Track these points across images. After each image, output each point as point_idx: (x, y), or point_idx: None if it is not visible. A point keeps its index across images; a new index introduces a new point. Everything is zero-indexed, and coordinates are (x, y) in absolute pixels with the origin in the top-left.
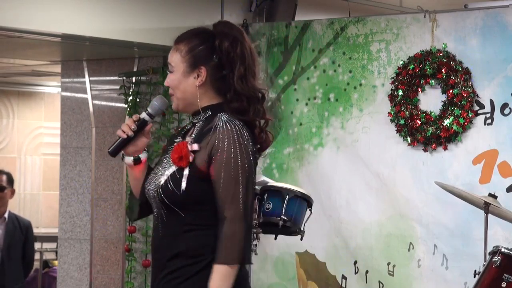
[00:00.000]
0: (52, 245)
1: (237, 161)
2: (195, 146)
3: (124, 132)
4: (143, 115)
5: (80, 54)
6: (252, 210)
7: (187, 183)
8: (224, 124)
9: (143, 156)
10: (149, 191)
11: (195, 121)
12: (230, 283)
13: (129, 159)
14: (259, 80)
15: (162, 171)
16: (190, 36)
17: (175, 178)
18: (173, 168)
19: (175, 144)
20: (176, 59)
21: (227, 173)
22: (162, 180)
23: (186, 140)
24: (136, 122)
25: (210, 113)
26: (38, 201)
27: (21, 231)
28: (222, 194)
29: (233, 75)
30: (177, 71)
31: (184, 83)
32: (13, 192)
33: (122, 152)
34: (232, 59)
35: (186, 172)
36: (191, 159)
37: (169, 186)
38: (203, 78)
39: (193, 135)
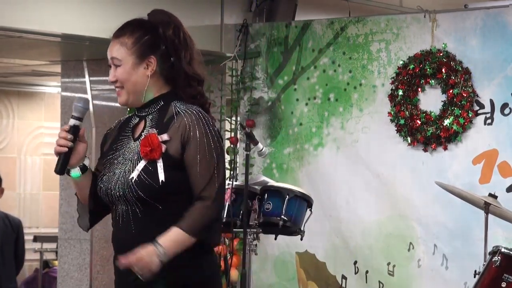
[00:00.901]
0: (52, 245)
1: (210, 144)
2: (165, 136)
3: (62, 146)
4: (72, 122)
5: (80, 54)
6: (224, 192)
7: (164, 174)
8: (186, 111)
9: (87, 162)
10: (112, 191)
11: (143, 114)
12: (179, 251)
13: (76, 171)
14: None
15: (125, 167)
16: (132, 28)
17: (149, 171)
18: (143, 162)
19: (142, 138)
20: (122, 52)
21: (202, 157)
22: (134, 175)
23: (151, 132)
24: (69, 132)
25: (162, 103)
26: (38, 201)
27: (13, 230)
28: (200, 177)
29: (181, 61)
30: (125, 64)
31: (135, 75)
32: (2, 191)
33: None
34: (178, 46)
35: (160, 163)
36: (163, 149)
37: (145, 181)
38: (154, 67)
39: (151, 127)
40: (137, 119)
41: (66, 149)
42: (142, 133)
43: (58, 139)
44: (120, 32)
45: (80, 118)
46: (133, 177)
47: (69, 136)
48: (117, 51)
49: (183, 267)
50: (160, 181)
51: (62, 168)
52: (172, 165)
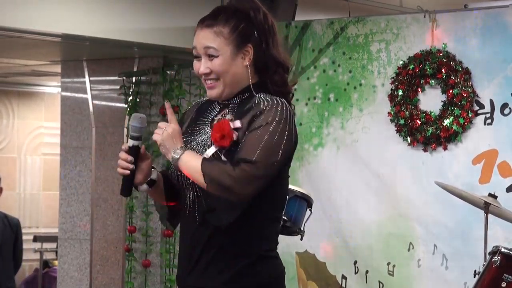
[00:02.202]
0: (52, 245)
1: (277, 127)
2: (238, 123)
3: (123, 168)
4: (130, 142)
5: (80, 54)
6: (252, 194)
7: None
8: (267, 99)
9: (154, 175)
10: (183, 177)
11: (227, 102)
12: (190, 174)
13: (143, 187)
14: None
15: (197, 153)
16: (226, 16)
17: (219, 158)
18: (213, 148)
19: (215, 123)
20: (219, 42)
21: (261, 125)
22: None
23: (227, 118)
24: (128, 153)
25: (248, 94)
26: (38, 201)
27: (11, 229)
28: (246, 148)
29: (270, 47)
30: (223, 55)
31: (234, 66)
32: (1, 190)
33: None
34: (267, 32)
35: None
36: (234, 137)
37: None
38: (251, 56)
39: (230, 114)
40: (219, 107)
41: (128, 172)
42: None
43: (119, 161)
44: (213, 20)
45: (139, 138)
46: None
47: (130, 158)
48: (213, 40)
49: (241, 275)
50: None
51: (127, 190)
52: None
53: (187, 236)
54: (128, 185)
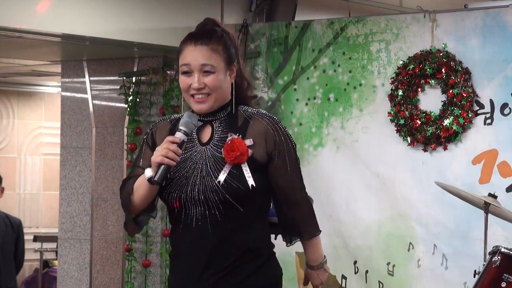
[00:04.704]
0: (52, 245)
1: (292, 148)
2: (249, 142)
3: (171, 159)
4: (182, 136)
5: (80, 54)
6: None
7: (253, 178)
8: (259, 116)
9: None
10: (189, 196)
11: (209, 118)
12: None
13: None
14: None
15: (200, 172)
16: (218, 35)
17: (235, 175)
18: (228, 167)
19: (227, 143)
20: (215, 59)
21: (291, 161)
22: (221, 179)
23: (234, 136)
24: (178, 145)
25: (229, 108)
26: (38, 201)
27: (13, 230)
28: (291, 181)
29: (241, 66)
30: (219, 71)
31: (225, 82)
32: (2, 190)
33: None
34: (238, 52)
35: (245, 167)
36: (249, 153)
37: (233, 184)
38: (235, 74)
39: (223, 131)
40: (200, 123)
41: (174, 163)
42: (213, 138)
43: (168, 152)
44: (209, 38)
45: (188, 134)
46: (220, 181)
47: (180, 151)
48: (210, 57)
49: (254, 275)
50: (250, 185)
51: (164, 179)
52: (256, 169)
53: (195, 248)
54: (166, 174)
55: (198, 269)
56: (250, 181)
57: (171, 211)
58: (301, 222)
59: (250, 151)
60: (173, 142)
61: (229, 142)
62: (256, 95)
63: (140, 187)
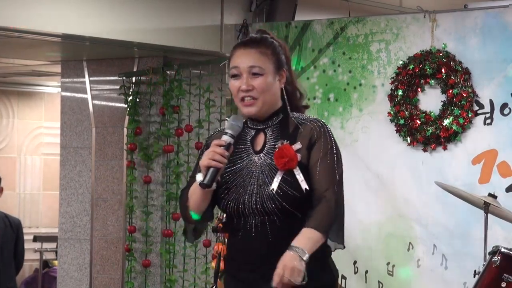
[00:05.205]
0: (52, 245)
1: (333, 148)
2: (298, 145)
3: (218, 162)
4: (228, 139)
5: (80, 54)
6: (342, 201)
7: (306, 181)
8: (310, 121)
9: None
10: (246, 205)
11: (262, 126)
12: (314, 248)
13: (213, 186)
14: None
15: (256, 181)
16: (267, 40)
17: (289, 181)
18: (280, 173)
19: (276, 151)
20: (264, 62)
21: (324, 157)
22: (274, 187)
23: (284, 142)
24: (225, 148)
25: (282, 115)
26: (38, 201)
27: (12, 230)
28: (322, 178)
29: (292, 75)
30: (267, 74)
31: (274, 86)
32: (1, 190)
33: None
34: (289, 62)
35: (298, 172)
36: (299, 158)
37: (287, 191)
38: (284, 80)
39: (275, 139)
40: (253, 132)
41: (222, 166)
42: (266, 146)
43: (214, 154)
44: (258, 42)
45: (234, 137)
46: (273, 189)
47: (227, 153)
48: (259, 60)
49: (311, 280)
50: (304, 189)
51: (213, 182)
52: (305, 171)
53: (256, 255)
54: (215, 177)
55: (257, 274)
56: (304, 185)
57: (230, 219)
58: (315, 213)
59: (299, 155)
60: (219, 145)
61: (278, 149)
62: (309, 105)
63: (194, 193)
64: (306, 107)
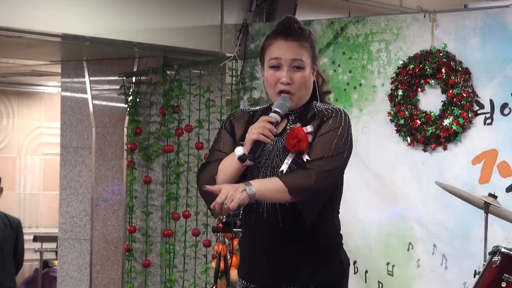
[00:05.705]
0: (52, 245)
1: (340, 130)
2: (309, 128)
3: (267, 137)
4: (277, 117)
5: (80, 54)
6: (328, 177)
7: None
8: (328, 108)
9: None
10: None
11: (288, 112)
12: (268, 193)
13: (248, 161)
14: None
15: (270, 163)
16: (305, 32)
17: (298, 163)
18: (291, 155)
19: (288, 132)
20: (305, 56)
21: (327, 134)
22: (284, 168)
23: (297, 125)
24: (274, 125)
25: (307, 103)
26: (38, 201)
27: (12, 230)
28: (315, 148)
29: (318, 65)
30: (306, 68)
31: (310, 79)
32: (1, 190)
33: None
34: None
35: (307, 156)
36: (309, 139)
37: None
38: (316, 72)
39: (294, 122)
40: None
41: (269, 141)
42: (285, 130)
43: (264, 129)
44: (298, 35)
45: (282, 116)
46: (282, 170)
47: (275, 130)
48: (300, 53)
49: (324, 264)
50: None
51: (258, 156)
52: None
53: (267, 239)
54: (261, 151)
55: (270, 259)
56: None
57: None
58: (290, 172)
59: (310, 136)
60: (269, 122)
61: (289, 130)
62: (330, 91)
63: (227, 167)
64: (327, 92)
